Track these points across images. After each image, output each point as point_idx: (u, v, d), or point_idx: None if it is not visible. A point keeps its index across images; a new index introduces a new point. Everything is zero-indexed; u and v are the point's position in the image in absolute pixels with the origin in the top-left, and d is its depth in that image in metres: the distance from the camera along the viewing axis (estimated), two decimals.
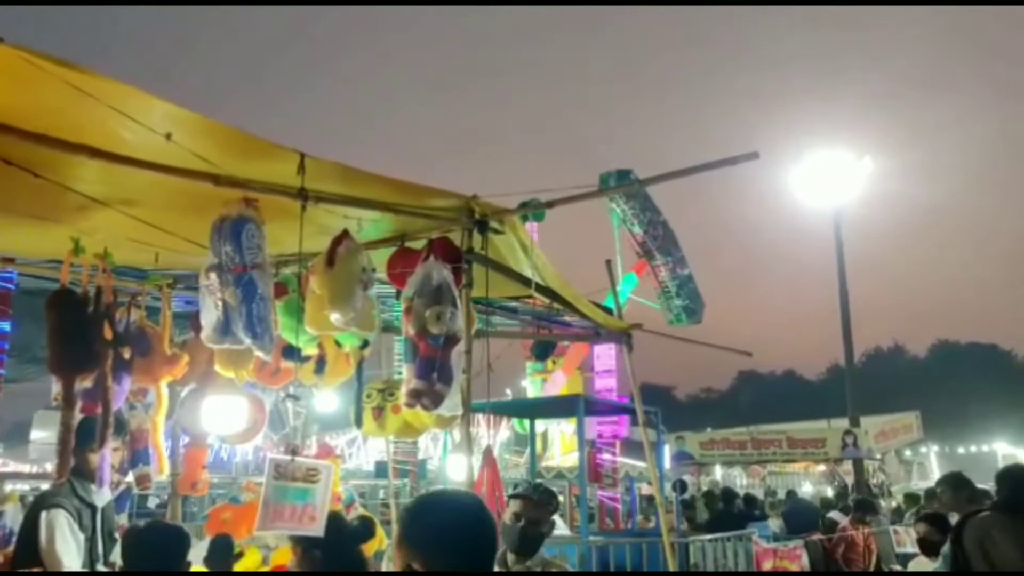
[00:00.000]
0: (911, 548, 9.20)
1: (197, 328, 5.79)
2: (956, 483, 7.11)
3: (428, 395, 4.50)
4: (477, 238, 5.26)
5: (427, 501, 2.22)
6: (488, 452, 5.49)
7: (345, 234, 4.75)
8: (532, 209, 5.58)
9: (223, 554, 5.34)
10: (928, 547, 6.89)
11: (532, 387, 23.45)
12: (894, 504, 18.98)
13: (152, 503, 17.74)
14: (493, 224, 5.29)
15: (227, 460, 21.98)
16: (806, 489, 26.36)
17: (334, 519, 2.92)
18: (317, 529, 3.75)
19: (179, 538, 3.97)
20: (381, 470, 18.87)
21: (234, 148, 4.03)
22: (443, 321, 4.56)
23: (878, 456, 22.49)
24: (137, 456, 5.77)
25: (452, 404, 4.61)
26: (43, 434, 20.77)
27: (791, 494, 19.90)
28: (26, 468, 20.32)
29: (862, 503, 11.64)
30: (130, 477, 5.81)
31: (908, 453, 30.25)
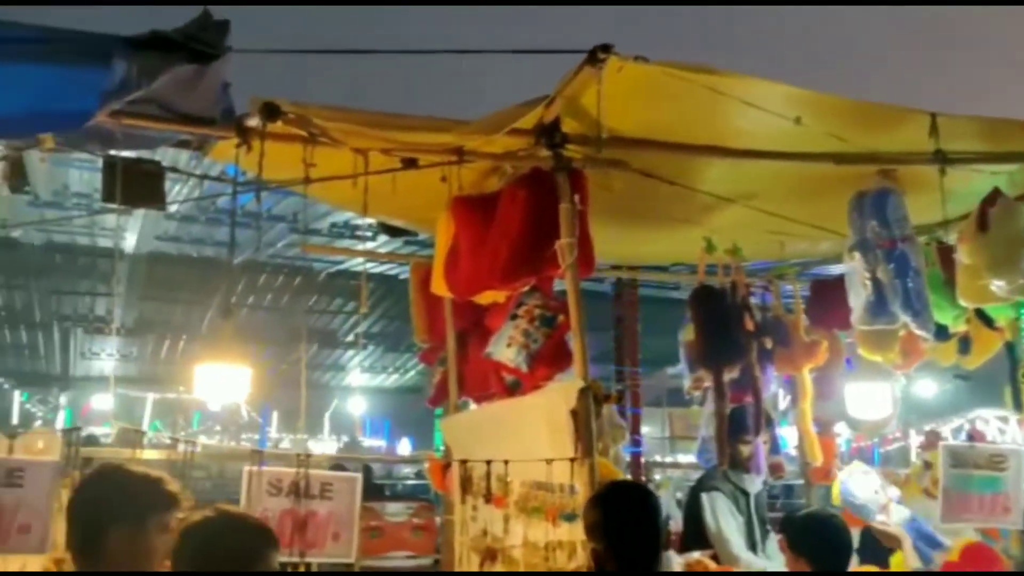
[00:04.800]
0: None
1: (811, 315, 5.73)
2: None
3: None
4: None
5: None
6: None
7: (997, 193, 4.23)
8: None
9: (875, 547, 5.11)
10: None
11: None
12: None
13: None
14: None
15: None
16: None
17: None
18: (1013, 521, 3.35)
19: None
20: None
21: (859, 121, 3.87)
22: None
23: None
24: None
25: None
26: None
27: None
28: None
29: None
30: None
31: None
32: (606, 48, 3.23)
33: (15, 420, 18.89)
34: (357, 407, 22.83)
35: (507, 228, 4.08)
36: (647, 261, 7.33)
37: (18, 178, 5.17)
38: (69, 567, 3.72)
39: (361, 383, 22.01)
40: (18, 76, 2.77)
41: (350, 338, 17.66)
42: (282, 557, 3.05)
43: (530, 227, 3.96)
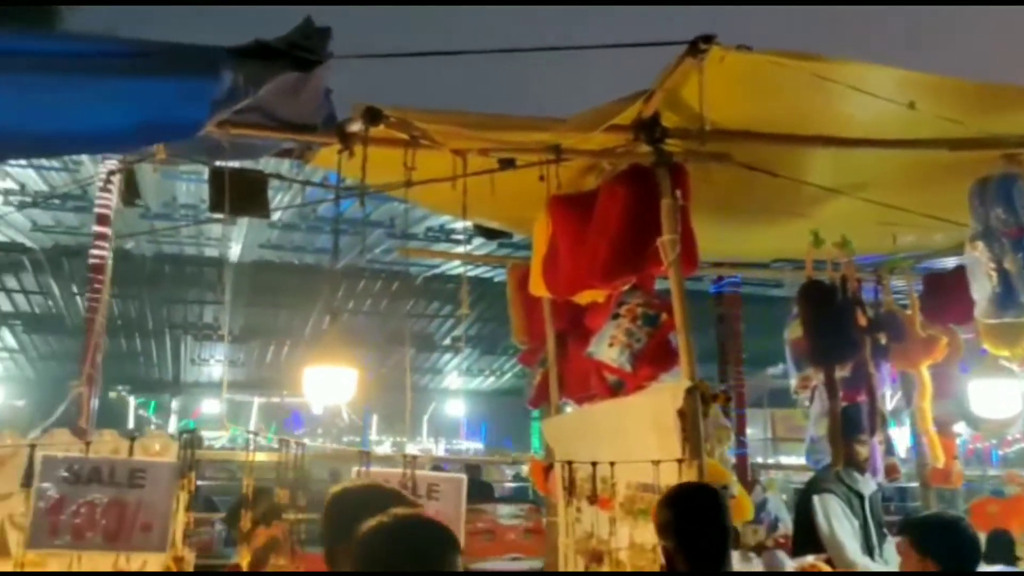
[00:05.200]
0: None
1: (925, 309, 5.47)
2: None
3: None
4: None
5: None
6: None
7: None
8: None
9: (1004, 550, 4.86)
10: None
11: None
12: None
13: None
14: None
15: None
16: None
17: None
18: None
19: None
20: None
21: (979, 103, 3.67)
22: None
23: None
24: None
25: None
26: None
27: None
28: None
29: None
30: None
31: None
32: (708, 38, 3.15)
33: (130, 424, 19.66)
34: (455, 409, 23.07)
35: (606, 226, 4.02)
36: (749, 257, 7.13)
37: (131, 191, 5.40)
38: (187, 566, 3.85)
39: (458, 386, 22.21)
40: (129, 90, 2.84)
41: (447, 341, 17.82)
42: None
43: (630, 224, 3.90)
